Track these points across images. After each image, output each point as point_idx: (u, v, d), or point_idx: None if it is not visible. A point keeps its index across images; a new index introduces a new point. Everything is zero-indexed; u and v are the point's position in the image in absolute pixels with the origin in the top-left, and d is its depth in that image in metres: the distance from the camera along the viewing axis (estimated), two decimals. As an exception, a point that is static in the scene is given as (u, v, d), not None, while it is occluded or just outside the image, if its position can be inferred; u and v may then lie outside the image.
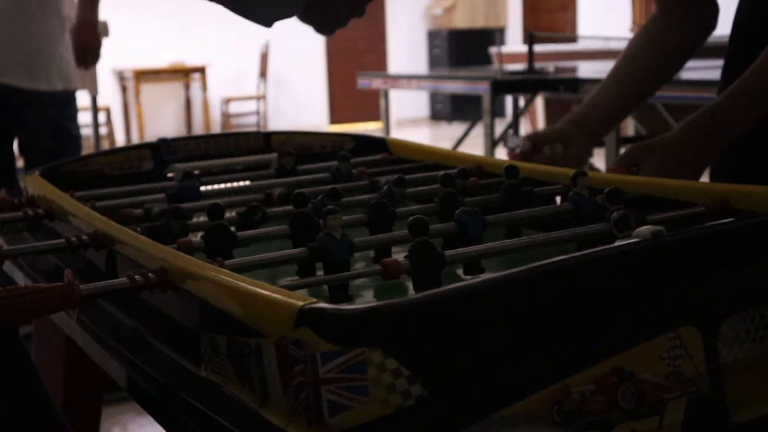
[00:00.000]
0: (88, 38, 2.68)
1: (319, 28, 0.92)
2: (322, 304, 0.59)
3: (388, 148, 1.55)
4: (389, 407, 0.57)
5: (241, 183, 1.44)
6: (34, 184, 1.29)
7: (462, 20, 11.07)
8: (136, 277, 0.79)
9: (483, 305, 0.62)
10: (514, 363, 0.60)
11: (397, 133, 7.63)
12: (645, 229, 0.72)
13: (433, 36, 11.28)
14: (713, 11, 1.39)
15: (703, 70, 4.15)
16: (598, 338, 0.63)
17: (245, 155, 1.55)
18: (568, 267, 0.66)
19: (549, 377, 0.60)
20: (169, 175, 1.46)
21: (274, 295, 0.63)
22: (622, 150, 3.90)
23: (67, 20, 2.64)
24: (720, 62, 1.39)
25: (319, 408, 0.57)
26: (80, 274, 1.04)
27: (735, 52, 1.31)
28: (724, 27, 1.49)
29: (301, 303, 0.59)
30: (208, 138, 1.58)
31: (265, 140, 1.60)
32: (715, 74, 3.85)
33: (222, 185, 1.41)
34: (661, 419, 0.63)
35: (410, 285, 0.82)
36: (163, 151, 1.51)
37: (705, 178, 1.15)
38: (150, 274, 0.79)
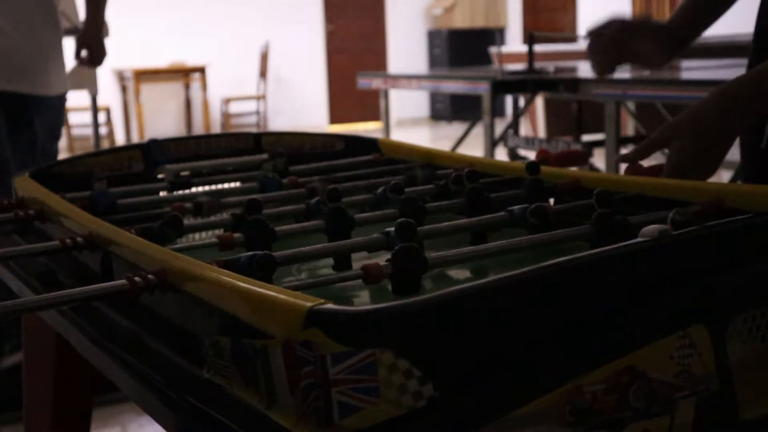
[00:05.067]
0: (93, 39, 2.71)
1: None
2: (331, 305, 0.59)
3: (379, 148, 1.55)
4: (401, 408, 0.56)
5: (233, 184, 1.43)
6: (24, 186, 1.28)
7: (462, 20, 11.06)
8: (135, 278, 0.78)
9: (494, 305, 0.61)
10: (525, 363, 0.60)
11: (398, 133, 7.63)
12: (652, 228, 0.71)
13: (433, 36, 11.26)
14: None
15: (703, 69, 4.15)
16: (608, 337, 0.63)
17: (236, 156, 1.54)
18: (578, 266, 0.66)
19: (561, 377, 0.59)
20: (160, 176, 1.45)
21: (281, 296, 0.62)
22: (623, 150, 3.89)
23: (62, 23, 2.66)
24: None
25: (329, 409, 0.56)
26: (74, 276, 1.03)
27: (759, 54, 1.28)
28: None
29: (309, 304, 0.59)
30: (199, 139, 1.58)
31: (255, 141, 1.59)
32: (715, 74, 3.84)
33: (214, 186, 1.40)
34: (672, 418, 0.63)
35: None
36: (153, 152, 1.50)
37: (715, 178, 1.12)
38: (150, 276, 0.78)
